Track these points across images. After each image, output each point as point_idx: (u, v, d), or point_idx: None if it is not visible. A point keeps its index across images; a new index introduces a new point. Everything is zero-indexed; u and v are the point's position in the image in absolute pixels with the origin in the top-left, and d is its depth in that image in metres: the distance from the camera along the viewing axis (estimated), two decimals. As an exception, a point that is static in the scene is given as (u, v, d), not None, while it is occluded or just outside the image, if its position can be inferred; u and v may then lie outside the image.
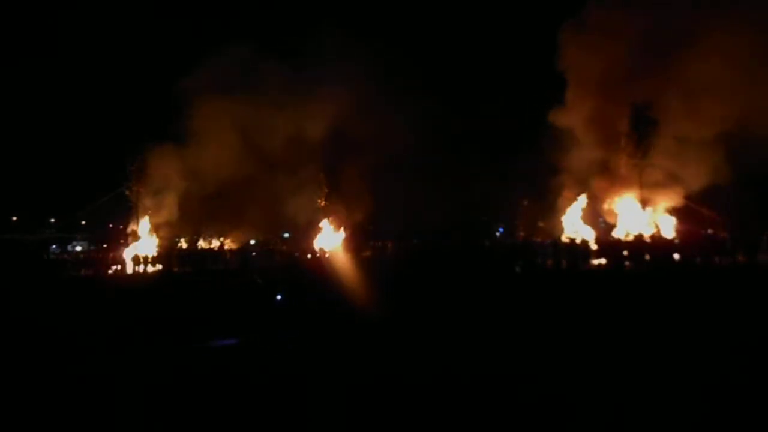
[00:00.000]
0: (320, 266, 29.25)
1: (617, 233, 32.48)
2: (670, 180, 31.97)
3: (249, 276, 24.18)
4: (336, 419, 7.01)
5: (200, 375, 9.21)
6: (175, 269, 32.34)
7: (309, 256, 34.49)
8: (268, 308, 15.68)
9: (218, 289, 22.37)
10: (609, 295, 16.99)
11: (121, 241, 38.85)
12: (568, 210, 34.71)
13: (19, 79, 43.57)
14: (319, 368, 9.22)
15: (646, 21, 31.73)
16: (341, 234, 38.02)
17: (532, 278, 23.61)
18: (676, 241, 28.62)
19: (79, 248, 43.63)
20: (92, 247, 42.05)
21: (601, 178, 33.89)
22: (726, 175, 29.53)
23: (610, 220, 34.14)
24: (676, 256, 25.38)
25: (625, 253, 26.61)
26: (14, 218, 46.90)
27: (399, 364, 9.30)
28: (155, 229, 38.02)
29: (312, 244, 36.99)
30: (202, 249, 39.46)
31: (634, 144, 32.13)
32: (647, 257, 25.62)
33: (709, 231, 28.80)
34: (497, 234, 41.47)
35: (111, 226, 44.52)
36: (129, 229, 38.17)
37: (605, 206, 34.11)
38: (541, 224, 36.48)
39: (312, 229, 38.06)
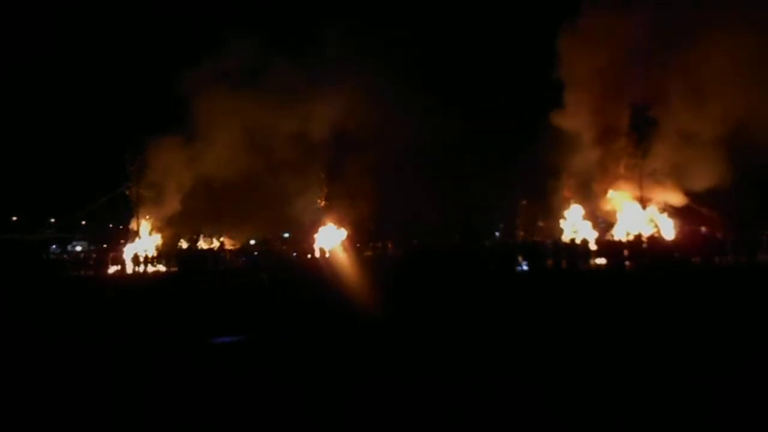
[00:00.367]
0: (319, 266, 29.27)
1: (617, 233, 32.47)
2: (670, 180, 31.99)
3: (257, 276, 24.16)
4: (336, 419, 7.02)
5: (199, 373, 9.22)
6: (176, 269, 32.39)
7: (309, 256, 34.51)
8: (272, 308, 15.63)
9: (218, 289, 22.39)
10: (609, 295, 16.99)
11: (121, 241, 38.89)
12: (568, 210, 34.73)
13: (19, 78, 43.65)
14: (319, 368, 9.22)
15: (644, 21, 31.76)
16: (341, 234, 38.04)
17: (539, 278, 23.60)
18: (676, 241, 28.62)
19: (79, 248, 43.67)
20: (92, 247, 42.09)
21: (601, 179, 33.91)
22: (726, 176, 29.54)
23: (609, 220, 34.15)
24: (676, 256, 25.37)
25: (625, 253, 26.61)
26: (14, 218, 46.93)
27: (399, 364, 9.31)
28: (156, 226, 37.98)
29: (312, 243, 37.01)
30: (202, 249, 39.49)
31: (634, 144, 32.15)
32: (647, 257, 25.60)
33: (702, 229, 28.79)
34: (496, 234, 41.48)
35: (111, 226, 44.57)
36: (129, 229, 38.22)
37: (605, 206, 34.12)
38: (540, 224, 36.51)
39: (312, 228, 38.08)
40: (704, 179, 30.36)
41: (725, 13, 29.61)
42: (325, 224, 38.12)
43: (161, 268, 33.46)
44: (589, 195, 34.42)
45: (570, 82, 33.51)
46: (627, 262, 25.57)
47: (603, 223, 34.56)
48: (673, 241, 28.90)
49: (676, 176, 31.79)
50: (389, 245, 36.62)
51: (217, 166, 37.33)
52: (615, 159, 33.16)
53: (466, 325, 12.49)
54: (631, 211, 32.81)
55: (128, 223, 38.53)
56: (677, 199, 32.13)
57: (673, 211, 32.34)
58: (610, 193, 33.62)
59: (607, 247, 28.30)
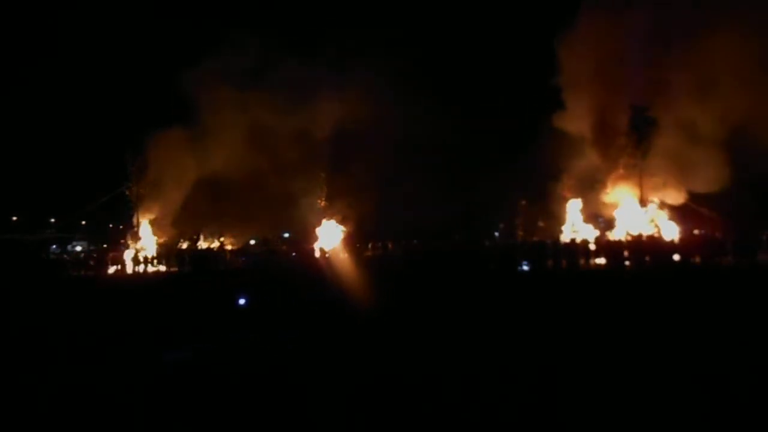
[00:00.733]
0: (319, 266, 29.25)
1: (617, 233, 32.47)
2: (670, 180, 31.98)
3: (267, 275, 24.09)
4: (336, 418, 7.02)
5: (197, 374, 9.22)
6: (176, 269, 32.37)
7: (308, 256, 34.48)
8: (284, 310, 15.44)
9: (219, 290, 22.35)
10: (609, 295, 16.98)
11: (121, 241, 38.86)
12: (568, 210, 34.73)
13: (20, 78, 43.59)
14: (319, 368, 9.22)
15: (643, 21, 31.74)
16: (341, 234, 38.02)
17: (539, 278, 23.60)
18: (676, 241, 28.61)
19: (79, 248, 43.60)
20: (92, 247, 42.03)
21: (601, 179, 33.90)
22: (726, 176, 29.54)
23: (609, 220, 34.15)
24: (676, 256, 25.36)
25: (625, 253, 26.60)
26: (14, 218, 46.86)
27: (399, 363, 9.30)
28: (156, 223, 37.86)
29: (312, 244, 36.99)
30: (202, 249, 39.46)
31: (634, 144, 32.15)
32: (647, 257, 25.60)
33: (696, 231, 28.82)
34: (496, 234, 41.44)
35: (111, 226, 44.50)
36: (129, 229, 38.18)
37: (605, 206, 34.11)
38: (541, 224, 36.50)
39: (312, 228, 38.06)
40: (704, 180, 30.36)
41: (725, 14, 29.63)
42: (325, 224, 38.11)
43: (161, 268, 33.42)
44: (589, 195, 34.42)
45: (570, 83, 33.53)
46: (627, 262, 25.57)
47: (603, 223, 34.56)
48: (673, 241, 28.90)
49: (676, 176, 31.78)
50: (389, 245, 36.59)
51: (217, 165, 37.32)
52: (615, 159, 33.16)
53: (466, 325, 12.49)
54: (630, 211, 32.80)
55: (128, 223, 38.47)
56: (677, 199, 32.13)
57: (673, 212, 32.33)
58: (610, 193, 33.61)
59: (607, 247, 28.30)
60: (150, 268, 33.26)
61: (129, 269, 33.27)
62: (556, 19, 34.27)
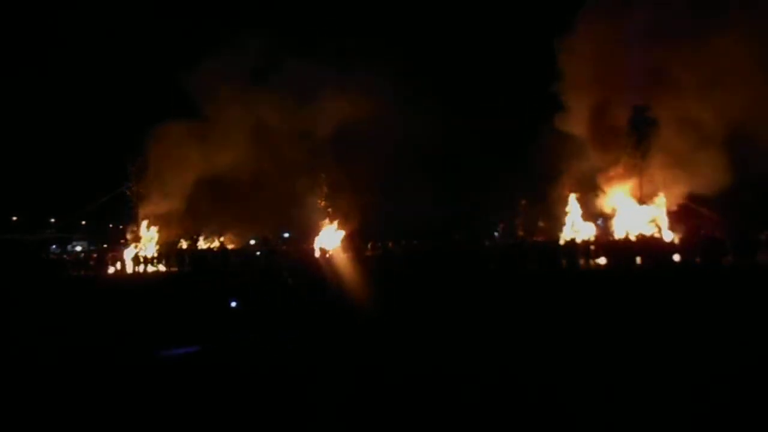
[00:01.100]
0: (319, 266, 29.24)
1: (617, 233, 32.46)
2: (670, 180, 31.97)
3: (278, 275, 24.01)
4: (336, 419, 7.02)
5: (192, 371, 9.23)
6: (176, 269, 32.38)
7: (308, 256, 34.46)
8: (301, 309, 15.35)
9: (219, 290, 22.33)
10: (609, 295, 16.98)
11: (121, 241, 38.86)
12: (568, 210, 34.72)
13: (20, 78, 43.62)
14: (319, 368, 9.22)
15: (643, 20, 31.73)
16: (341, 234, 38.02)
17: (539, 278, 23.58)
18: (676, 241, 28.60)
19: (79, 248, 43.63)
20: (92, 247, 42.06)
21: (601, 179, 33.90)
22: (726, 176, 29.53)
23: (609, 220, 34.15)
24: (676, 256, 25.35)
25: (625, 253, 26.58)
26: (14, 218, 46.89)
27: (399, 364, 9.31)
28: (156, 220, 37.79)
29: (312, 243, 36.99)
30: (202, 249, 39.47)
31: (634, 144, 32.14)
32: (647, 257, 25.58)
33: (703, 232, 28.77)
34: (495, 234, 41.45)
35: (111, 226, 44.53)
36: (129, 229, 38.18)
37: (605, 206, 34.11)
38: (541, 224, 36.50)
39: (313, 228, 38.06)
40: (704, 180, 30.36)
41: (725, 14, 29.63)
42: (325, 224, 38.12)
43: (161, 267, 33.42)
44: (589, 195, 34.41)
45: (570, 84, 33.55)
46: (627, 263, 25.56)
47: (603, 223, 34.56)
48: (672, 241, 28.88)
49: (676, 176, 31.78)
50: (389, 245, 36.59)
51: (218, 164, 37.31)
52: (615, 159, 33.16)
53: (466, 325, 12.49)
54: (630, 211, 32.79)
55: (128, 223, 38.48)
56: (677, 199, 32.12)
57: (673, 212, 32.32)
58: (610, 194, 33.61)
59: (607, 247, 28.30)
60: (150, 268, 33.26)
61: (129, 269, 33.27)
62: (556, 20, 34.42)
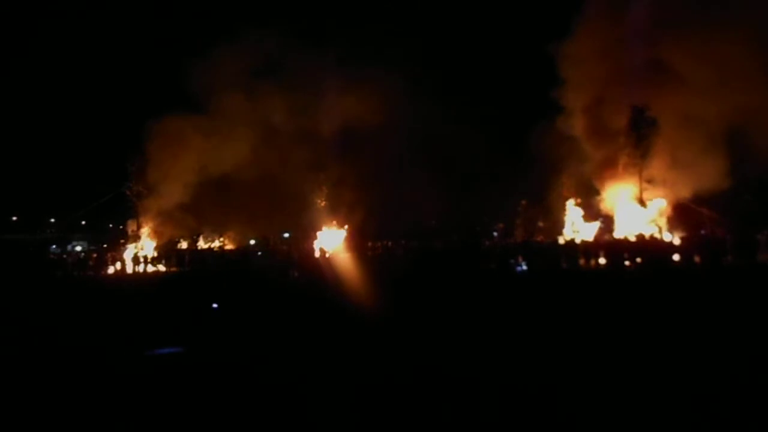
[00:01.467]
0: (319, 266, 29.25)
1: (617, 233, 32.47)
2: (670, 180, 31.98)
3: (285, 274, 24.00)
4: (336, 419, 7.02)
5: (196, 373, 9.23)
6: (175, 269, 32.38)
7: (307, 256, 34.48)
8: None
9: (219, 290, 22.32)
10: (609, 295, 16.99)
11: (121, 241, 38.85)
12: (567, 210, 34.74)
13: (20, 78, 43.61)
14: (319, 368, 9.22)
15: (643, 20, 31.75)
16: (342, 234, 38.03)
17: (539, 278, 23.57)
18: (676, 241, 28.61)
19: (79, 248, 43.60)
20: (92, 247, 42.04)
21: (601, 179, 33.92)
22: (726, 176, 29.55)
23: (609, 220, 34.16)
24: (676, 257, 25.35)
25: (625, 253, 26.59)
26: (14, 218, 46.90)
27: (400, 364, 9.31)
28: (156, 220, 37.73)
29: (312, 243, 37.00)
30: (202, 249, 39.47)
31: (634, 144, 32.15)
32: (647, 257, 25.59)
33: (702, 232, 28.79)
34: (494, 234, 41.46)
35: (111, 226, 44.52)
36: (129, 229, 38.16)
37: (605, 207, 34.12)
38: (541, 224, 36.51)
39: (313, 228, 38.06)
40: (704, 180, 30.36)
41: (725, 13, 29.64)
42: (325, 224, 38.12)
43: (161, 267, 33.42)
44: (589, 195, 34.44)
45: (570, 84, 33.59)
46: (627, 263, 25.56)
47: (603, 223, 34.57)
48: (672, 241, 28.89)
49: (676, 176, 31.78)
50: (390, 245, 36.61)
51: (218, 164, 37.27)
52: (614, 159, 33.17)
53: (466, 325, 12.49)
54: (630, 211, 32.80)
55: (128, 223, 38.45)
56: (677, 199, 32.13)
57: (673, 212, 32.33)
58: (610, 193, 33.63)
59: (607, 247, 28.30)
60: (150, 268, 33.25)
61: (129, 269, 33.26)
62: (557, 20, 34.42)
